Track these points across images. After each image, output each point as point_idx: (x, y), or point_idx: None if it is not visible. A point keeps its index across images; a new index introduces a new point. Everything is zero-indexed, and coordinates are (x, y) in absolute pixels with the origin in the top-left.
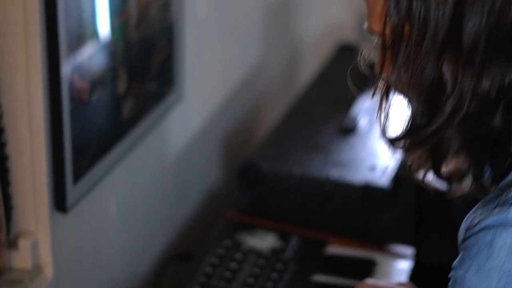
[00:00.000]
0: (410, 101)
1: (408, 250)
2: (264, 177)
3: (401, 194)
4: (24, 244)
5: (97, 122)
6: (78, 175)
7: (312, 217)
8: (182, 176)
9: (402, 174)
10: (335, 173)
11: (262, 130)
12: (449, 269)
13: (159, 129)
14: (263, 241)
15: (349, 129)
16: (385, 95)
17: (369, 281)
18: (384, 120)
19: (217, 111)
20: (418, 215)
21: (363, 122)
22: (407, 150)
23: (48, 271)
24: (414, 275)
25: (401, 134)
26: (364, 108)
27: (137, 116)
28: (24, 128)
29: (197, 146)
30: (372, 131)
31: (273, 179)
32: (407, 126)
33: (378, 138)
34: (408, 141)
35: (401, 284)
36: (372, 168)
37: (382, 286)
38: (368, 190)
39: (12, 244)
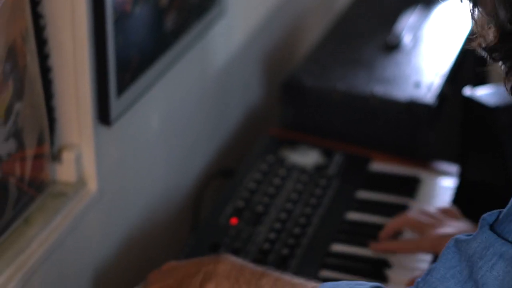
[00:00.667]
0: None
1: (453, 168)
2: (308, 92)
3: (446, 111)
4: (67, 156)
5: (140, 34)
6: (121, 88)
7: (356, 133)
8: (224, 92)
9: (448, 91)
10: (379, 89)
11: (303, 46)
12: (493, 187)
13: (201, 44)
14: (307, 158)
15: (393, 45)
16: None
17: (410, 214)
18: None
19: (258, 27)
20: (463, 133)
21: (407, 38)
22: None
23: (92, 184)
24: (458, 193)
25: (494, 43)
26: (408, 24)
27: (180, 30)
28: (68, 39)
29: (239, 62)
30: (417, 47)
31: (317, 95)
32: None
33: (423, 54)
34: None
35: (444, 210)
36: (417, 85)
37: (422, 219)
38: (413, 106)
39: (55, 157)
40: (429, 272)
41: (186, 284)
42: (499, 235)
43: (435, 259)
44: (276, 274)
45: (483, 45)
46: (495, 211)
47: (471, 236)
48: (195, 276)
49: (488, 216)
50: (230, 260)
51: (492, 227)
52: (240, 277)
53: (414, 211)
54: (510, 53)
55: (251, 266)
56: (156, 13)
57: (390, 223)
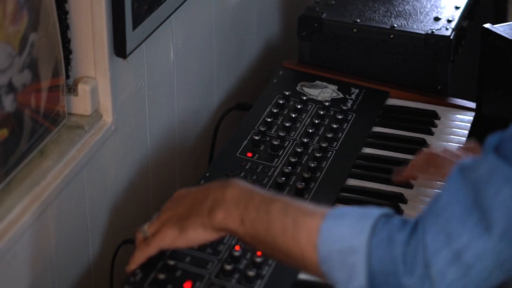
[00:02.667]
0: None
1: (471, 104)
2: (326, 26)
3: (465, 46)
4: (83, 89)
5: None
6: (137, 20)
7: (374, 68)
8: (241, 25)
9: (466, 25)
10: (398, 23)
11: None
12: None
13: None
14: (324, 92)
15: None
16: None
17: (433, 150)
18: None
19: None
20: (481, 67)
21: None
22: None
23: (107, 116)
24: (476, 129)
25: None
26: None
27: None
28: None
29: None
30: None
31: (335, 28)
32: None
33: None
34: None
35: (465, 148)
36: (436, 19)
37: (445, 155)
38: (432, 39)
39: (71, 89)
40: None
41: (196, 211)
42: (504, 157)
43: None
44: (286, 199)
45: None
46: (498, 132)
47: (475, 161)
48: (204, 203)
49: (492, 138)
50: (239, 185)
51: (497, 150)
52: (249, 202)
53: (437, 149)
54: None
55: (260, 191)
56: None
57: (414, 160)
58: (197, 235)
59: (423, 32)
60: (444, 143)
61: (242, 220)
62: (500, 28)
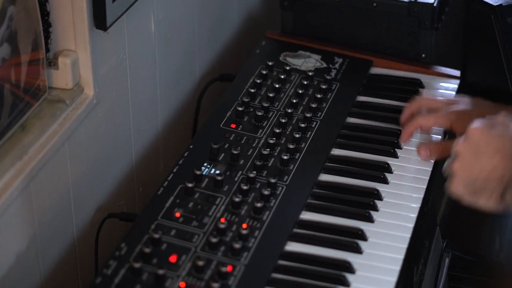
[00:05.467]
0: None
1: (455, 72)
2: None
3: (449, 13)
4: (63, 62)
5: None
6: None
7: (358, 37)
8: None
9: None
10: None
11: None
12: (494, 90)
13: None
14: (307, 62)
15: None
16: None
17: (426, 95)
18: None
19: None
20: (465, 35)
21: None
22: None
23: (89, 90)
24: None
25: None
26: None
27: None
28: None
29: None
30: None
31: None
32: None
33: None
34: None
35: (458, 99)
36: None
37: (437, 99)
38: (415, 7)
39: (51, 63)
40: None
41: (490, 189)
42: None
43: (448, 136)
44: None
45: None
46: None
47: None
48: (499, 183)
49: None
50: None
51: None
52: None
53: (426, 96)
54: None
55: None
56: None
57: (408, 106)
58: (486, 205)
59: (406, 0)
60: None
61: None
62: None
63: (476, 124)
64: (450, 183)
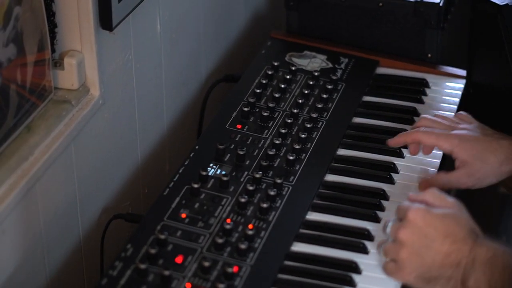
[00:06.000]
0: None
1: (461, 71)
2: None
3: (455, 12)
4: (69, 62)
5: None
6: None
7: (363, 37)
8: None
9: None
10: None
11: None
12: (500, 90)
13: None
14: (313, 62)
15: None
16: None
17: (427, 116)
18: None
19: None
20: (472, 34)
21: None
22: None
23: (94, 90)
24: (466, 96)
25: None
26: None
27: None
28: None
29: None
30: None
31: None
32: None
33: None
34: None
35: (456, 116)
36: None
37: (440, 122)
38: (421, 7)
39: (57, 63)
40: None
41: (446, 278)
42: None
43: (446, 162)
44: None
45: None
46: None
47: None
48: (456, 270)
49: None
50: (487, 246)
51: None
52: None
53: (429, 116)
54: None
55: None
56: None
57: (410, 129)
58: None
59: (412, 0)
60: (435, 111)
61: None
62: None
63: (414, 207)
64: (396, 272)
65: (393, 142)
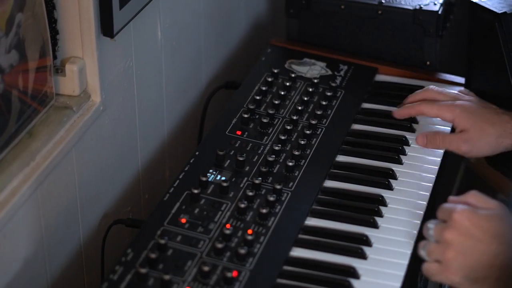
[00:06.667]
0: None
1: (460, 79)
2: (313, 2)
3: (454, 20)
4: (71, 69)
5: None
6: None
7: (363, 45)
8: (229, 3)
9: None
10: None
11: None
12: (498, 98)
13: None
14: (312, 69)
15: None
16: None
17: (431, 87)
18: None
19: None
20: (470, 42)
21: None
22: None
23: (96, 96)
24: None
25: None
26: None
27: None
28: None
29: None
30: None
31: (322, 5)
32: None
33: None
34: None
35: (460, 91)
36: None
37: (445, 93)
38: (420, 15)
39: (59, 69)
40: None
41: (490, 279)
42: None
43: (453, 130)
44: None
45: None
46: None
47: None
48: (501, 278)
49: None
50: None
51: None
52: None
53: (433, 87)
54: None
55: None
56: None
57: (414, 94)
58: None
59: (411, 8)
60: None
61: None
62: (488, 2)
63: (459, 208)
64: (441, 272)
65: (398, 113)
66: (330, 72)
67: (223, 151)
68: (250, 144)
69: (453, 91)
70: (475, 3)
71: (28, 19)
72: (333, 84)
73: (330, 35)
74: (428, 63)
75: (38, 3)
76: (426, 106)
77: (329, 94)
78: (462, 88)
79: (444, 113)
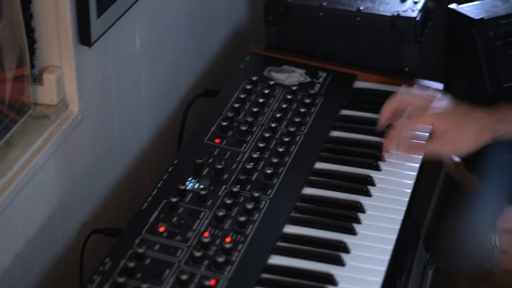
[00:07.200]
0: None
1: (438, 85)
2: (292, 10)
3: (432, 26)
4: (48, 78)
5: None
6: (102, 7)
7: (341, 51)
8: (208, 10)
9: (432, 6)
10: (364, 5)
11: None
12: (477, 103)
13: None
14: (291, 76)
15: None
16: None
17: (403, 93)
18: None
19: None
20: (448, 48)
21: None
22: None
23: (74, 105)
24: None
25: None
26: None
27: None
28: None
29: None
30: None
31: (301, 12)
32: None
33: None
34: None
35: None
36: (402, 0)
37: (416, 100)
38: (398, 21)
39: (36, 79)
40: None
41: None
42: None
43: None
44: None
45: None
46: None
47: None
48: None
49: None
50: None
51: None
52: None
53: (403, 92)
54: None
55: None
56: None
57: (385, 108)
58: None
59: (389, 14)
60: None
61: None
62: (465, 8)
63: None
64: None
65: (386, 150)
66: (309, 79)
67: (202, 159)
68: (229, 152)
69: (424, 94)
70: (452, 9)
71: (5, 28)
72: (312, 91)
73: (309, 42)
74: (406, 69)
75: (15, 12)
76: (406, 126)
77: (307, 101)
78: (434, 92)
79: (423, 122)
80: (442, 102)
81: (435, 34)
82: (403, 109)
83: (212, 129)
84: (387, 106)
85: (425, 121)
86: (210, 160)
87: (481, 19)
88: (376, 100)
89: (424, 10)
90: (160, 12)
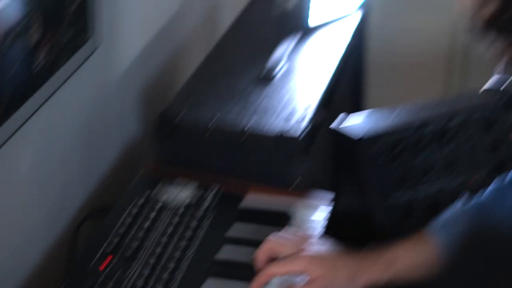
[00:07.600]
0: None
1: (328, 196)
2: (179, 128)
3: (318, 142)
4: None
5: (8, 72)
6: None
7: (232, 167)
8: (100, 129)
9: (320, 121)
10: (252, 123)
11: (183, 80)
12: (359, 218)
13: (74, 80)
14: (182, 193)
15: (267, 78)
16: None
17: (273, 238)
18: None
19: (135, 60)
20: (335, 164)
21: (282, 70)
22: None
23: None
24: (331, 220)
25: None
26: (283, 55)
27: (51, 66)
28: None
29: (116, 97)
30: (290, 80)
31: (188, 130)
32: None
33: (297, 86)
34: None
35: (310, 238)
36: (288, 118)
37: (288, 243)
38: (281, 141)
39: None
40: None
41: None
42: None
43: None
44: None
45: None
46: None
47: None
48: None
49: None
50: None
51: None
52: None
53: (275, 236)
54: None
55: None
56: (26, 50)
57: (258, 254)
58: None
59: (272, 135)
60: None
61: None
62: (347, 127)
63: None
64: None
65: None
66: (199, 197)
67: (92, 283)
68: (118, 275)
69: (296, 236)
70: (333, 129)
71: None
72: (198, 214)
73: (199, 158)
74: (295, 183)
75: None
76: (275, 268)
77: (194, 224)
78: (309, 233)
79: (294, 267)
80: (316, 246)
81: (323, 146)
82: (277, 254)
83: (100, 251)
84: (260, 252)
85: (296, 266)
86: (100, 283)
87: (361, 139)
88: (264, 217)
89: (309, 126)
90: (49, 133)
